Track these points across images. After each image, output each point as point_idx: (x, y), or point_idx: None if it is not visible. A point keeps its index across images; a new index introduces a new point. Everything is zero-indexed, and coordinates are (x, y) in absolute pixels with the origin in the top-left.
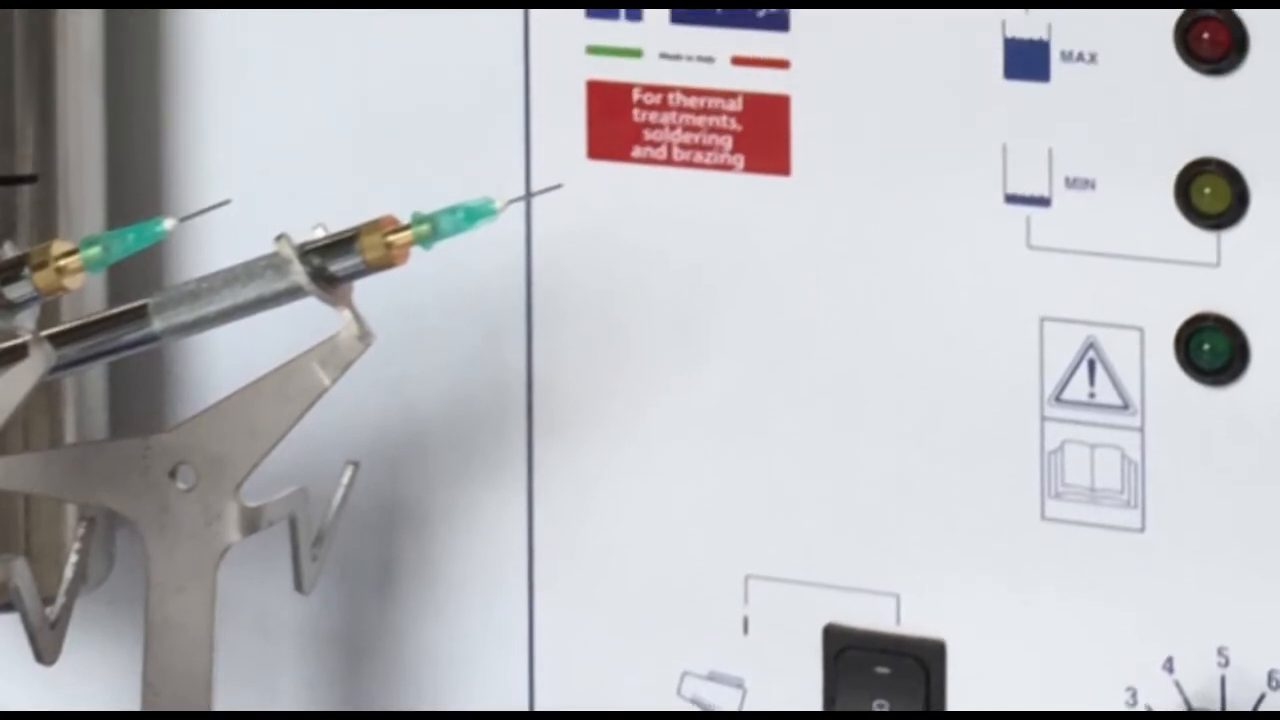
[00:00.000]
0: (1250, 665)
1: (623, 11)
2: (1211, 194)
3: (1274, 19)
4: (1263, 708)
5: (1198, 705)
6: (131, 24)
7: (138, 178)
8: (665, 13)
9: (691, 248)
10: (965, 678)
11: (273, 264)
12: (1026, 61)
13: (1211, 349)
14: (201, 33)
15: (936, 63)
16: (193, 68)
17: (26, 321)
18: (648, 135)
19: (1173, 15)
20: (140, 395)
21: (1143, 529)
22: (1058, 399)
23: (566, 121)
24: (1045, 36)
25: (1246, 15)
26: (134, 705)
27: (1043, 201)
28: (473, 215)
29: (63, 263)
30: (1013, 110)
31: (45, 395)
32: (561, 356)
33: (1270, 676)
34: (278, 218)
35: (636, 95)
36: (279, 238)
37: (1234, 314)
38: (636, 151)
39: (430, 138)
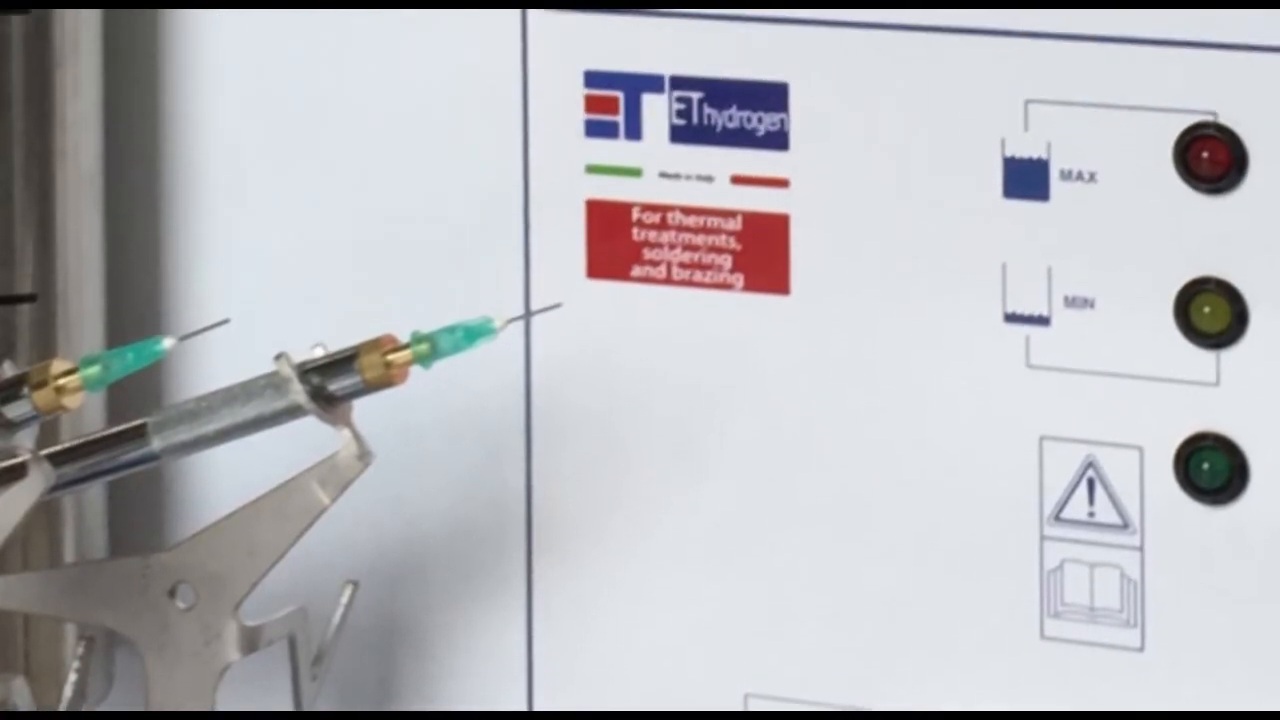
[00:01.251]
0: None
1: (622, 130)
2: (1211, 313)
3: (1273, 138)
4: None
5: None
6: (130, 139)
7: (137, 296)
8: (665, 132)
9: (691, 367)
10: None
11: (272, 383)
12: (1026, 180)
13: (1211, 468)
14: (201, 150)
15: (936, 181)
16: (192, 186)
17: (26, 441)
18: (647, 254)
19: (1172, 134)
20: (139, 514)
21: (1142, 648)
22: (1057, 518)
23: (566, 240)
24: (1045, 155)
25: (1246, 134)
26: None
27: (1042, 320)
28: (472, 334)
29: (62, 382)
30: (1012, 229)
31: (44, 514)
32: (561, 476)
33: None
34: (277, 336)
35: (636, 214)
36: (278, 357)
37: (1233, 433)
38: (636, 270)
39: (430, 256)
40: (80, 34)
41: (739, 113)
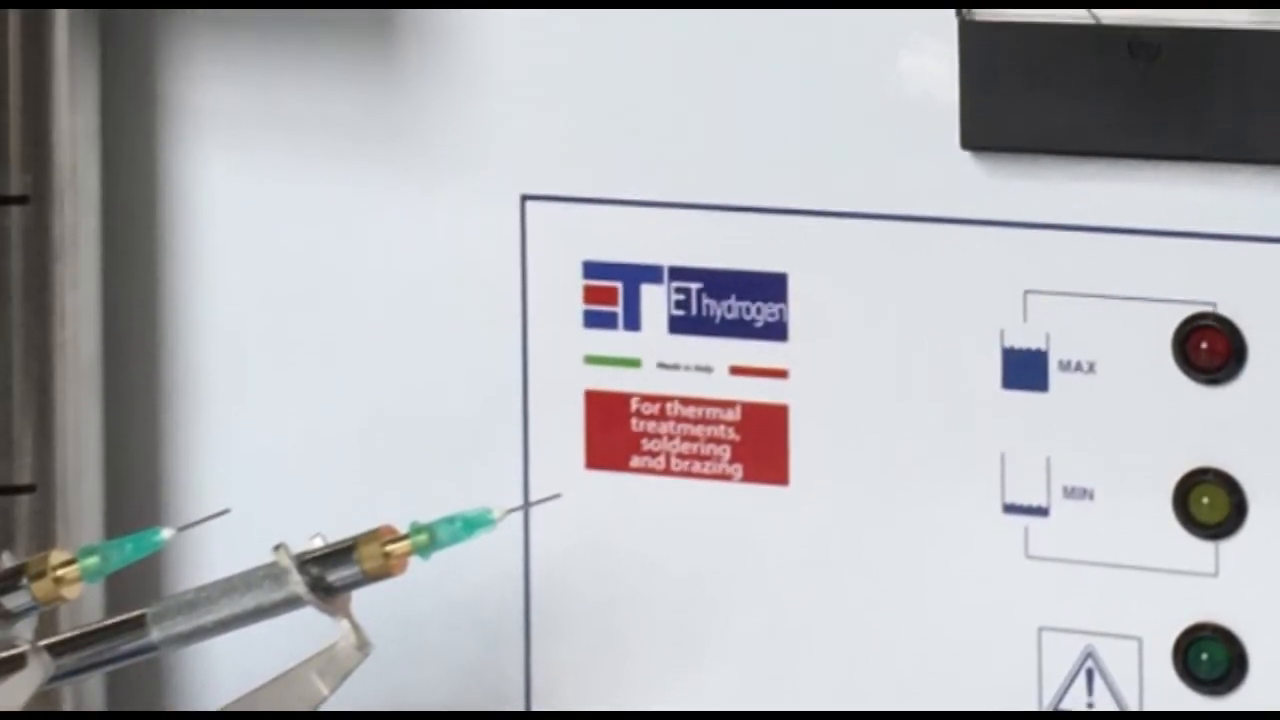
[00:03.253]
0: None
1: (621, 321)
2: (1210, 504)
3: (1272, 328)
4: None
5: None
6: (129, 331)
7: (136, 487)
8: (663, 322)
9: (690, 558)
10: None
11: (271, 574)
12: (1025, 371)
13: (1210, 659)
14: (200, 341)
15: (935, 372)
16: (191, 377)
17: (25, 631)
18: (646, 445)
19: (1171, 324)
20: (139, 704)
21: None
22: (1056, 708)
23: (565, 431)
24: (1043, 346)
25: (1244, 325)
26: None
27: (1041, 511)
28: (471, 525)
29: (61, 572)
30: (1011, 420)
31: (44, 704)
32: (560, 667)
33: None
34: (276, 527)
35: (635, 405)
36: (277, 547)
37: (1232, 624)
38: (635, 461)
39: (429, 446)
40: (79, 226)
41: (738, 303)
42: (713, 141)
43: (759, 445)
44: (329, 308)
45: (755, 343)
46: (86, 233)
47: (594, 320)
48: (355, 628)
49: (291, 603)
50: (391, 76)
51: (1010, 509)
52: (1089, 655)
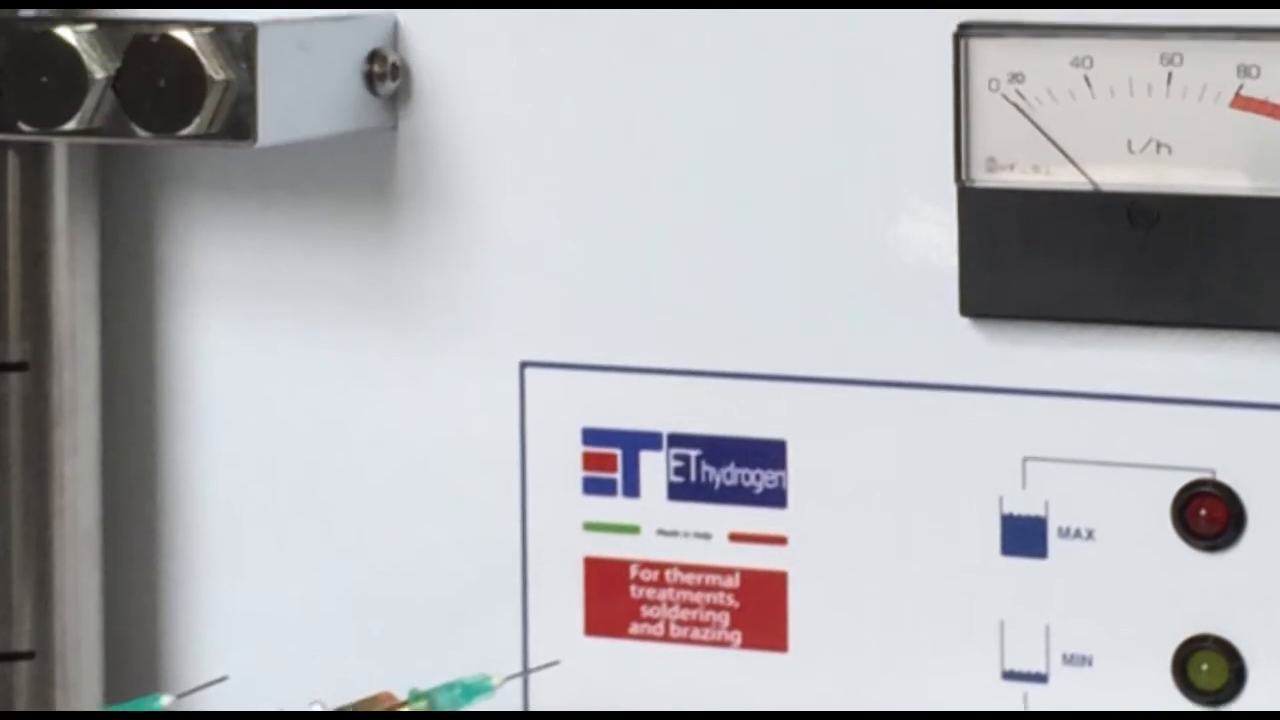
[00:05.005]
0: None
1: (620, 487)
2: (1209, 670)
3: (1271, 495)
4: None
5: None
6: (128, 498)
7: (135, 653)
8: (663, 489)
9: None
10: None
11: None
12: (1024, 538)
13: None
14: (198, 507)
15: (934, 538)
16: (190, 544)
17: None
18: (645, 611)
19: (1170, 491)
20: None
21: None
22: None
23: (564, 597)
24: (1042, 513)
25: (1243, 492)
26: None
27: (1040, 678)
28: (470, 692)
29: None
30: (1010, 586)
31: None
32: None
33: None
34: (275, 693)
35: (634, 571)
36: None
37: None
38: (634, 628)
39: (428, 612)
40: (79, 392)
41: (737, 470)
42: (711, 308)
43: (758, 611)
44: (328, 473)
45: (754, 509)
46: (85, 399)
47: (593, 487)
48: None
49: None
50: (390, 244)
51: (1009, 676)
52: None
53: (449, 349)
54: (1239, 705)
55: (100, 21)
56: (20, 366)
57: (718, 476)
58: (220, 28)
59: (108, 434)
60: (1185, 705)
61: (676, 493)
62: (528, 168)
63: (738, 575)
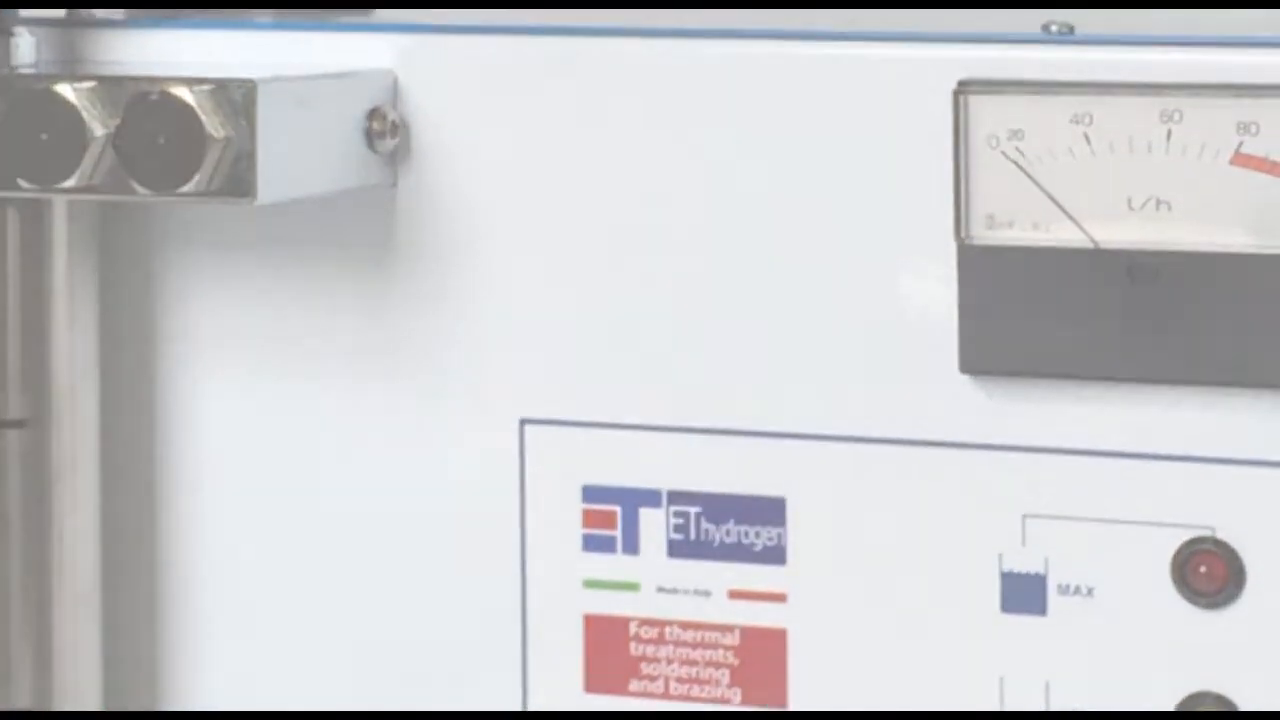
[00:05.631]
0: None
1: (620, 545)
2: None
3: (1271, 552)
4: None
5: None
6: (128, 554)
7: (135, 710)
8: (663, 546)
9: None
10: None
11: None
12: (1023, 595)
13: None
14: (199, 564)
15: (933, 596)
16: (190, 601)
17: None
18: (645, 669)
19: (1170, 548)
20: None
21: None
22: None
23: (563, 655)
24: (1042, 570)
25: (1243, 549)
26: None
27: None
28: None
29: None
30: (1010, 644)
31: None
32: None
33: None
34: None
35: (634, 629)
36: None
37: None
38: (634, 685)
39: (427, 671)
40: (78, 449)
41: (736, 527)
42: (710, 365)
43: (758, 669)
44: (327, 530)
45: (754, 566)
46: (85, 455)
47: (593, 544)
48: None
49: None
50: (390, 301)
51: None
52: None
53: (449, 406)
54: None
55: (100, 79)
56: (19, 424)
57: (717, 534)
58: (220, 85)
59: (107, 491)
60: None
61: (676, 550)
62: (528, 224)
63: (737, 633)
